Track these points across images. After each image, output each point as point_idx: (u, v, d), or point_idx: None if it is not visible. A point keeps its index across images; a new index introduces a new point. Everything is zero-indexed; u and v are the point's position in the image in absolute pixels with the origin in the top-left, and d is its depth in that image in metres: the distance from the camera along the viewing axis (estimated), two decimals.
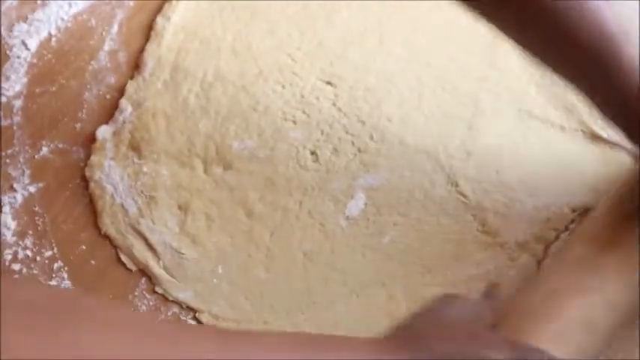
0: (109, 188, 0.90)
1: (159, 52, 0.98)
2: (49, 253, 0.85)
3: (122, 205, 0.89)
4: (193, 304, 0.82)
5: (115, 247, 0.88)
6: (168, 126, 0.93)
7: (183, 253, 0.85)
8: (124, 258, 0.87)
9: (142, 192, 0.90)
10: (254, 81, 0.95)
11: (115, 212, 0.89)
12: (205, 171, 0.90)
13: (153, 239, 0.87)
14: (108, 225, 0.88)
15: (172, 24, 0.99)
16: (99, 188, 0.90)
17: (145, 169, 0.91)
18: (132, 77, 0.98)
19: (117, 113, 0.96)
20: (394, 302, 0.82)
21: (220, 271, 0.84)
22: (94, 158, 0.93)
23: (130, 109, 0.95)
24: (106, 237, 0.88)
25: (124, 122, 0.95)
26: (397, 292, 0.82)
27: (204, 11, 1.01)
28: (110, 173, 0.91)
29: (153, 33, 1.00)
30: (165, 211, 0.88)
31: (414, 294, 0.82)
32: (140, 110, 0.95)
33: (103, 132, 0.94)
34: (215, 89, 0.95)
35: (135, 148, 0.93)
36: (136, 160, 0.92)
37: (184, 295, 0.83)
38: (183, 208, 0.88)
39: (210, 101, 0.94)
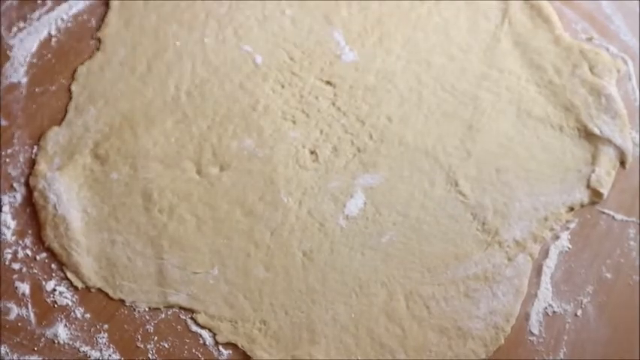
0: (53, 198, 0.86)
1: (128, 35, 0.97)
2: (47, 253, 0.85)
3: (65, 218, 0.85)
4: (188, 305, 0.82)
5: (61, 263, 0.84)
6: (149, 129, 0.91)
7: (163, 258, 0.84)
8: (70, 275, 0.83)
9: (105, 200, 0.87)
10: (253, 79, 0.95)
11: (57, 224, 0.85)
12: (199, 172, 0.89)
13: (116, 248, 0.84)
14: (51, 238, 0.85)
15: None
16: (42, 198, 0.87)
17: (114, 176, 0.88)
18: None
19: (71, 113, 0.93)
20: (394, 301, 0.82)
21: (216, 272, 0.83)
22: (39, 167, 0.89)
23: (92, 110, 0.93)
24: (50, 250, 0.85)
25: (85, 128, 0.91)
26: (397, 291, 0.82)
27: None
28: (55, 183, 0.87)
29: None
30: (139, 216, 0.86)
31: (413, 293, 0.82)
32: (108, 113, 0.92)
33: (55, 136, 0.91)
34: (211, 84, 0.95)
35: (98, 156, 0.90)
36: (97, 167, 0.89)
37: (176, 298, 0.82)
38: (166, 211, 0.87)
39: (206, 99, 0.94)
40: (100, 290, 0.83)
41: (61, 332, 0.80)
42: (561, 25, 1.00)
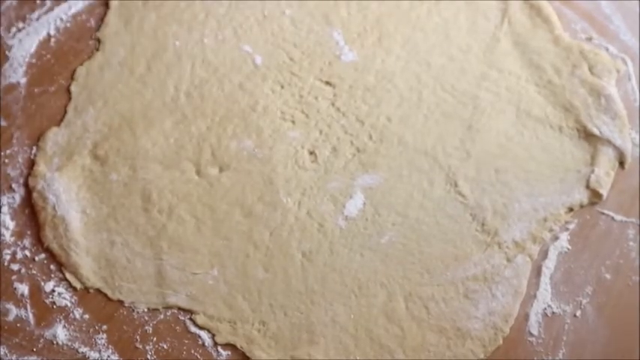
0: (52, 199, 0.86)
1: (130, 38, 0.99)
2: (46, 254, 0.85)
3: (64, 219, 0.85)
4: (187, 306, 0.82)
5: (60, 264, 0.84)
6: (148, 129, 0.91)
7: (162, 259, 0.84)
8: (69, 276, 0.83)
9: (104, 201, 0.87)
10: (252, 80, 0.95)
11: (56, 225, 0.85)
12: (198, 173, 0.89)
13: (115, 249, 0.84)
14: (50, 239, 0.85)
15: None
16: (41, 199, 0.87)
17: (113, 176, 0.88)
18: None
19: (71, 113, 0.93)
20: (393, 302, 0.82)
21: (215, 273, 0.83)
22: (38, 168, 0.89)
23: (91, 111, 0.93)
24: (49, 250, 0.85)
25: (84, 128, 0.91)
26: (396, 292, 0.82)
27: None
28: (54, 184, 0.87)
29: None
30: (138, 217, 0.86)
31: (412, 294, 0.82)
32: (108, 114, 0.93)
33: (54, 137, 0.91)
34: (210, 84, 0.95)
35: (97, 156, 0.90)
36: (96, 168, 0.89)
37: (175, 299, 0.82)
38: (165, 212, 0.87)
39: (206, 100, 0.94)
40: (98, 291, 0.83)
41: (60, 333, 0.80)
42: (561, 25, 1.00)
